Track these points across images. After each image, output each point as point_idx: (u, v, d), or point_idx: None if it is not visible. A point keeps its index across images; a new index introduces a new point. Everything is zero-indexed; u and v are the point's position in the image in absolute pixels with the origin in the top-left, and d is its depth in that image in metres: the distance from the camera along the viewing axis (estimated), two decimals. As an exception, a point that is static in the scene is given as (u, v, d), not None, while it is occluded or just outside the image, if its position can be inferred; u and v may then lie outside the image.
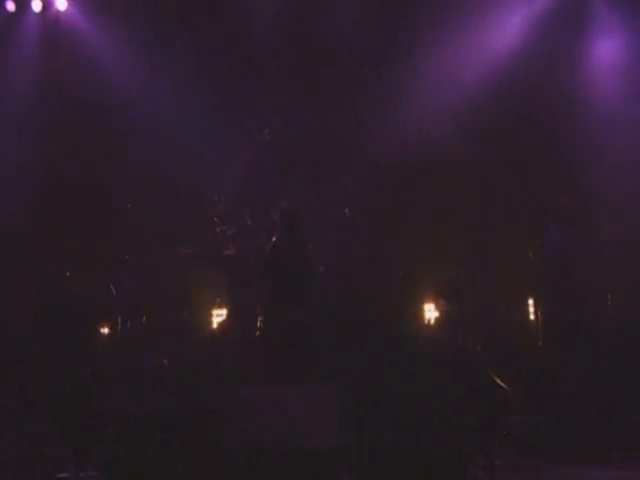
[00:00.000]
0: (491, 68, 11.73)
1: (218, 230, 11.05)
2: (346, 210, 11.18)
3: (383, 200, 11.61)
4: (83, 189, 12.18)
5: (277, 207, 9.43)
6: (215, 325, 11.03)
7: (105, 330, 11.11)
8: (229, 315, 10.74)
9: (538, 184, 11.69)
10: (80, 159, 12.17)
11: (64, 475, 8.54)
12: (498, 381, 8.22)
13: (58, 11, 12.51)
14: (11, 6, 12.38)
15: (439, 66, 11.67)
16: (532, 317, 11.15)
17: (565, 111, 11.64)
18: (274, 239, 9.34)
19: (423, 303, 11.63)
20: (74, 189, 12.21)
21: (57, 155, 12.18)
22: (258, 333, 9.40)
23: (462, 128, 11.67)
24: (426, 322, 11.50)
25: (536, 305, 11.09)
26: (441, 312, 11.36)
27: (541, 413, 9.38)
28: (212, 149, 11.85)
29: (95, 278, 11.44)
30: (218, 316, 11.06)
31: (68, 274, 11.37)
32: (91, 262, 11.62)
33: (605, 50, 11.70)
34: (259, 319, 9.72)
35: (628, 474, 8.33)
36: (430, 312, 11.67)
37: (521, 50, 11.84)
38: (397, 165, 11.83)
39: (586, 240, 10.74)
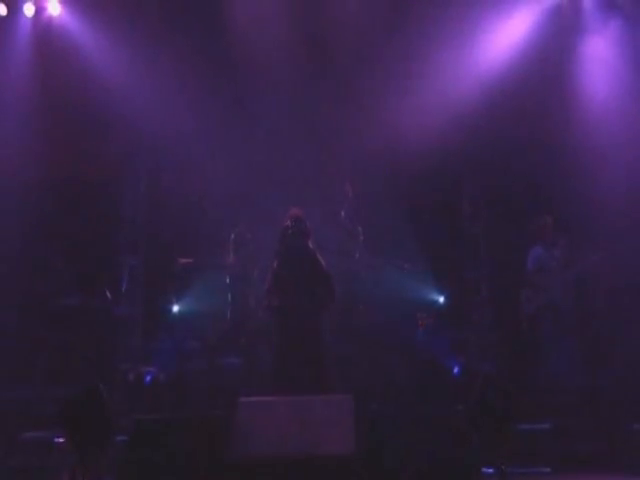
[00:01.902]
0: (487, 73, 11.78)
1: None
2: (346, 217, 11.17)
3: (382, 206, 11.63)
4: (77, 194, 12.13)
5: (287, 213, 9.36)
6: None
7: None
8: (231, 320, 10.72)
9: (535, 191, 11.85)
10: (74, 164, 12.06)
11: (63, 484, 8.46)
12: None
13: (50, 15, 12.35)
14: (2, 10, 12.20)
15: (436, 71, 11.70)
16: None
17: (560, 120, 11.71)
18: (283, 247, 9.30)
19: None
20: (68, 194, 12.15)
21: (50, 160, 12.02)
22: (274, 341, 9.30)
23: (459, 134, 11.73)
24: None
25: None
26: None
27: (549, 421, 9.46)
28: (211, 153, 11.81)
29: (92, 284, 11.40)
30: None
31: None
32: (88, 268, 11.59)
33: (599, 53, 11.80)
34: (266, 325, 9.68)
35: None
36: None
37: (515, 57, 11.86)
38: (396, 171, 11.92)
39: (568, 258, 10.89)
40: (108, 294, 11.36)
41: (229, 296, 10.72)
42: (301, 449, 7.50)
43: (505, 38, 12.00)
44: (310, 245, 9.20)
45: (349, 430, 7.53)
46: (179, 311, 11.11)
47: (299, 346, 8.92)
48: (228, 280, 10.77)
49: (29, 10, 12.19)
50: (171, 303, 11.11)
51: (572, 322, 10.66)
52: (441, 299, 11.41)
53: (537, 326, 10.76)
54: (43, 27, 12.32)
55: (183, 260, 11.11)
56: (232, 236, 10.96)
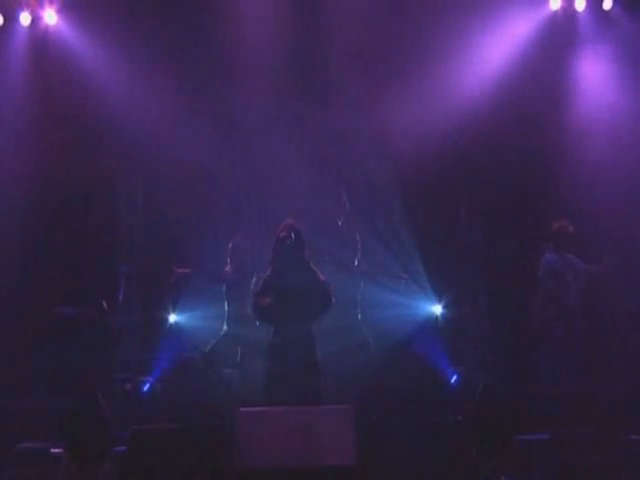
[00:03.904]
0: (485, 82, 11.82)
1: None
2: (343, 226, 11.19)
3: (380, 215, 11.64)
4: (73, 204, 12.12)
5: (282, 224, 9.31)
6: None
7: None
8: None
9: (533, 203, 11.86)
10: (71, 175, 12.03)
11: (61, 494, 8.40)
12: None
13: (47, 25, 12.34)
14: (-2, 19, 12.20)
15: (433, 80, 11.73)
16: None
17: (558, 129, 11.75)
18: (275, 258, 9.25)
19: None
20: (63, 205, 12.14)
21: (47, 170, 11.99)
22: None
23: (456, 143, 11.74)
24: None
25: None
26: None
27: (548, 432, 9.43)
28: (209, 163, 11.80)
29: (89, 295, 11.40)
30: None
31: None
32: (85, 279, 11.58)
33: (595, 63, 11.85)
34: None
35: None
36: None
37: (513, 66, 11.91)
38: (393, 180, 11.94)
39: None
40: (105, 304, 11.35)
41: (226, 306, 10.70)
42: (301, 459, 7.45)
43: (503, 48, 12.07)
44: (304, 255, 9.13)
45: (350, 441, 7.49)
46: (176, 321, 11.10)
47: (292, 351, 8.87)
48: (225, 290, 10.75)
49: (26, 19, 12.18)
50: (168, 313, 11.11)
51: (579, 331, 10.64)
52: (439, 309, 11.40)
53: (545, 336, 10.74)
54: (40, 36, 12.32)
55: (180, 270, 11.11)
56: (229, 246, 10.97)
